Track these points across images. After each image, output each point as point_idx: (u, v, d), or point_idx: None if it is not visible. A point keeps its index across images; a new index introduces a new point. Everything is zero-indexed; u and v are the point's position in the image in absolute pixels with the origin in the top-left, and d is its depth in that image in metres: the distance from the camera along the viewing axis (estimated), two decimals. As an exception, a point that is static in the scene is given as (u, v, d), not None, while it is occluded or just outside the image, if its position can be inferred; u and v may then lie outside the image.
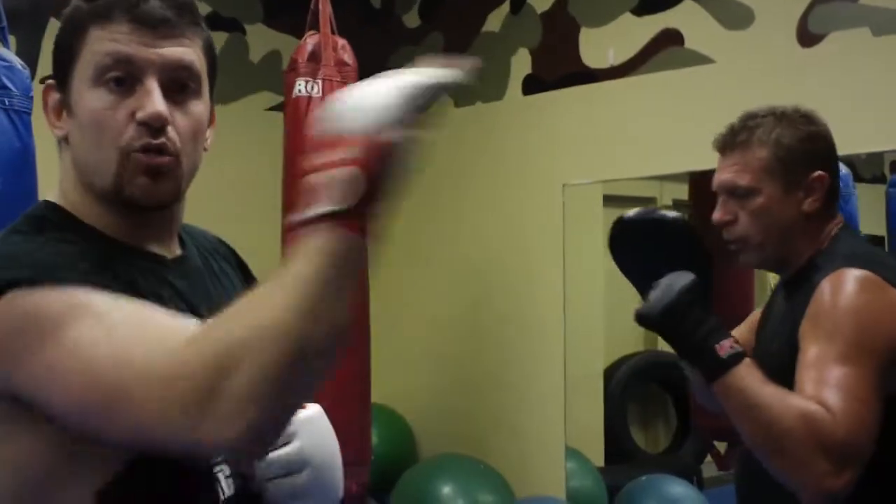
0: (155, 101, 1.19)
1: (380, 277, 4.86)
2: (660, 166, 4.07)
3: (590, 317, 4.66)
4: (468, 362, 4.73)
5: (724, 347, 1.71)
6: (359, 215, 1.05)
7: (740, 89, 3.75)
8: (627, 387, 4.76)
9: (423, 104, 1.09)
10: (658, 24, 4.08)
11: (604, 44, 4.26)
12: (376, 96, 1.07)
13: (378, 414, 4.78)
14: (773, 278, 2.16)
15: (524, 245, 4.48)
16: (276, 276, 1.06)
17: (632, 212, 1.98)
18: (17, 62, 2.70)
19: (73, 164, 1.25)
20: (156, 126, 1.20)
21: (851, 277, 1.78)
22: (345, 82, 3.70)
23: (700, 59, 3.93)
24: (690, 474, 4.49)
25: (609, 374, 4.78)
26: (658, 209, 1.97)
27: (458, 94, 4.82)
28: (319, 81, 3.66)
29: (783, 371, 1.79)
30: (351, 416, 3.44)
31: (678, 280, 1.76)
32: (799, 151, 1.90)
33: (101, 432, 1.09)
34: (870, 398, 1.68)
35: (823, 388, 1.67)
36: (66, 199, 1.26)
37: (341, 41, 3.74)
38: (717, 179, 1.94)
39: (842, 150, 3.59)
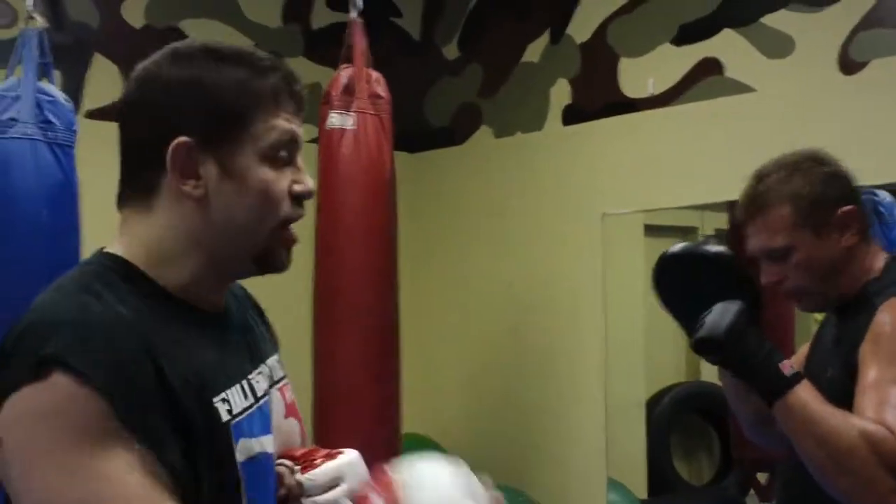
0: (308, 177, 1.32)
1: (419, 308, 4.87)
2: (700, 196, 4.04)
3: (631, 347, 4.63)
4: (507, 392, 4.71)
5: (787, 367, 1.75)
6: None
7: (782, 118, 3.73)
8: (670, 417, 4.72)
9: None
10: (698, 54, 4.06)
11: (643, 73, 4.25)
12: None
13: (416, 444, 4.76)
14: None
15: (564, 274, 4.46)
16: None
17: (675, 247, 2.00)
18: (61, 97, 2.75)
19: (201, 221, 1.26)
20: (307, 199, 1.33)
21: None
22: (378, 115, 3.72)
23: (740, 88, 3.92)
24: (735, 506, 4.44)
25: (651, 404, 4.74)
26: (701, 243, 1.99)
27: (498, 124, 4.84)
28: (353, 114, 3.68)
29: (840, 395, 1.80)
30: (381, 444, 3.41)
31: (731, 305, 1.78)
32: (819, 196, 1.92)
33: None
34: None
35: (884, 409, 1.68)
36: (152, 252, 1.27)
37: (375, 74, 3.75)
38: (751, 247, 1.98)
39: (886, 178, 3.57)
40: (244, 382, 1.34)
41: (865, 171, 3.63)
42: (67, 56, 3.93)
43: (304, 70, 4.72)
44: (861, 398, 1.72)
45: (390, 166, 3.76)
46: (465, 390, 4.89)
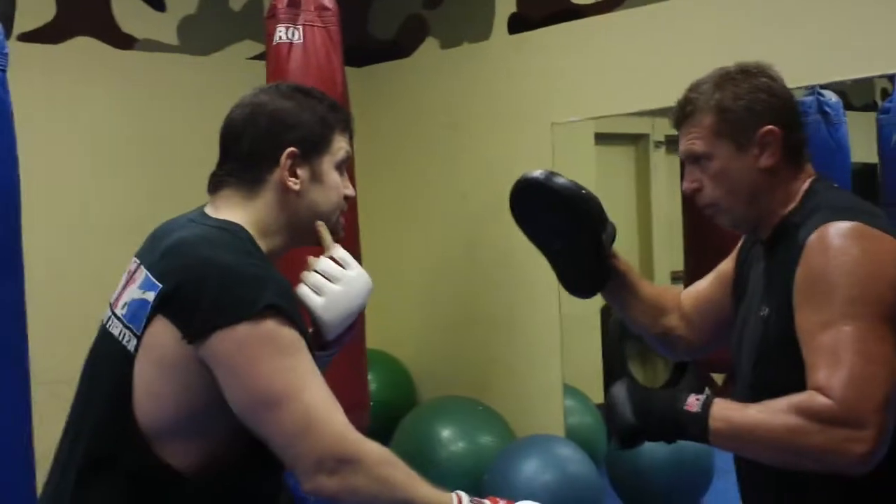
0: (352, 186, 1.86)
1: (374, 224, 4.85)
2: (649, 101, 4.02)
3: (584, 255, 4.64)
4: (464, 304, 4.73)
5: (693, 405, 1.75)
6: None
7: (729, 19, 3.71)
8: (622, 326, 4.76)
9: None
10: (643, -44, 4.02)
11: (589, -22, 4.20)
12: None
13: (376, 359, 4.78)
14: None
15: (515, 185, 4.45)
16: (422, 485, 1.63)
17: (529, 173, 2.07)
18: (-9, 19, 2.66)
19: (293, 208, 1.76)
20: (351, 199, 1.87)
21: (839, 231, 1.74)
22: (326, 27, 3.64)
23: (686, -10, 3.89)
24: (689, 408, 4.50)
25: (607, 310, 4.77)
26: (553, 175, 2.03)
27: (444, 35, 4.78)
28: (300, 27, 3.61)
29: (775, 335, 1.80)
30: (346, 362, 3.40)
31: (619, 391, 1.87)
32: (741, 109, 1.86)
33: (257, 430, 1.60)
34: (875, 350, 1.65)
35: (822, 360, 1.66)
36: (258, 225, 1.75)
37: (321, -16, 3.68)
38: (680, 151, 1.96)
39: (831, 77, 3.57)
40: None
41: (811, 71, 3.64)
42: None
43: (244, -15, 4.62)
44: (806, 356, 1.69)
45: (342, 79, 3.70)
46: (422, 304, 4.90)
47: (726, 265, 2.12)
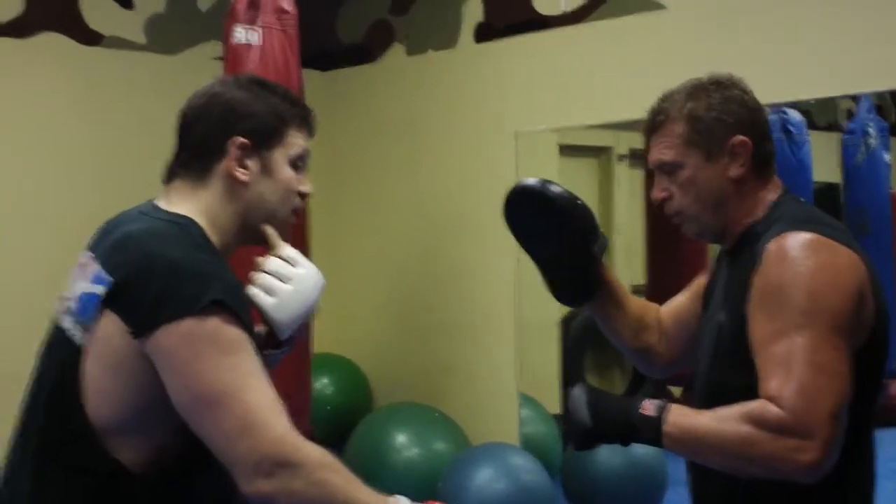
0: (309, 183, 1.83)
1: (333, 228, 4.84)
2: (613, 114, 4.05)
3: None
4: (422, 310, 4.73)
5: (648, 408, 1.76)
6: None
7: (694, 35, 3.74)
8: (584, 334, 4.79)
9: None
10: (610, -30, 4.05)
11: (556, -10, 4.23)
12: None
13: (333, 363, 4.78)
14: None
15: (477, 192, 4.46)
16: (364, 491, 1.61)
17: (525, 181, 2.06)
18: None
19: (242, 200, 1.75)
20: (307, 198, 1.85)
21: (796, 241, 1.76)
22: (285, 30, 3.64)
23: (651, 6, 3.91)
24: (644, 420, 4.52)
25: (566, 321, 4.80)
26: (548, 183, 2.03)
27: (411, 42, 4.78)
28: (259, 29, 3.61)
29: (728, 341, 1.82)
30: (289, 366, 3.40)
31: (577, 394, 1.83)
32: (712, 120, 1.89)
33: (197, 429, 1.59)
34: (826, 361, 1.67)
35: (774, 369, 1.68)
36: (208, 217, 1.73)
37: (282, -12, 3.69)
38: (649, 159, 1.98)
39: (795, 96, 3.61)
40: None
41: (775, 89, 3.68)
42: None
43: (211, -16, 4.60)
44: (758, 365, 1.72)
45: (298, 83, 3.70)
46: (379, 310, 4.90)
47: (702, 278, 2.14)
